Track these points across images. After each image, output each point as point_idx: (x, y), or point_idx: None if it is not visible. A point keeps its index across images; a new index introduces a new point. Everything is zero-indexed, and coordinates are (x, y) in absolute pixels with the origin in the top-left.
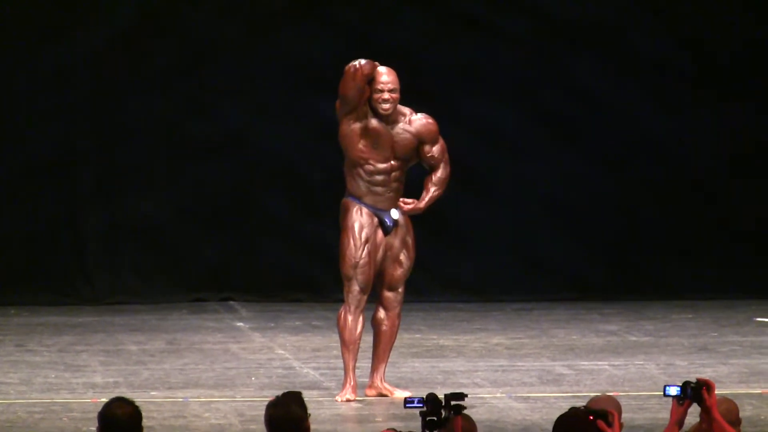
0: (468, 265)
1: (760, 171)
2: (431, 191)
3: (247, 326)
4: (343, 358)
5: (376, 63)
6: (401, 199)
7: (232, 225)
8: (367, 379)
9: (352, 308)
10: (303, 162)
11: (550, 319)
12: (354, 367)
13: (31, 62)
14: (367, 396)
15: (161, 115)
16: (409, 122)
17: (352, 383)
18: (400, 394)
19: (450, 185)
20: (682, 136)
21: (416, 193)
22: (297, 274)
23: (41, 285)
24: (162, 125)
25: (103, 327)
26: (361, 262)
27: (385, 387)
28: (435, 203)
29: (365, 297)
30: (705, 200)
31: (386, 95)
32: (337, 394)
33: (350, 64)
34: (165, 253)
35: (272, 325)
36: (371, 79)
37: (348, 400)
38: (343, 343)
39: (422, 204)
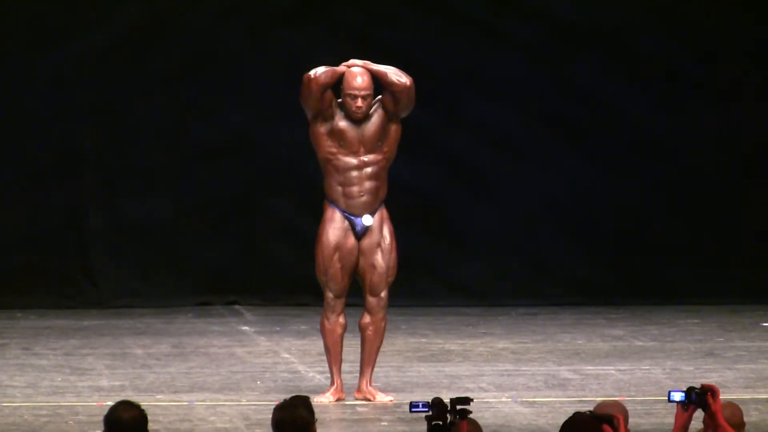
0: (473, 270)
1: (767, 172)
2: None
3: (253, 330)
4: (327, 361)
5: (339, 69)
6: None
7: (237, 228)
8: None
9: (328, 313)
10: (308, 165)
11: (555, 323)
12: (338, 370)
13: (34, 64)
14: (356, 399)
15: (166, 117)
16: (375, 110)
17: (334, 385)
18: (382, 398)
19: (455, 188)
20: (688, 138)
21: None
22: (302, 277)
23: (47, 288)
24: (167, 127)
25: (109, 330)
26: (331, 269)
27: (369, 390)
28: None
29: (341, 301)
30: (711, 204)
31: (359, 102)
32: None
33: (306, 73)
34: (170, 256)
35: (278, 329)
36: (341, 83)
37: (321, 402)
38: (324, 347)
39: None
